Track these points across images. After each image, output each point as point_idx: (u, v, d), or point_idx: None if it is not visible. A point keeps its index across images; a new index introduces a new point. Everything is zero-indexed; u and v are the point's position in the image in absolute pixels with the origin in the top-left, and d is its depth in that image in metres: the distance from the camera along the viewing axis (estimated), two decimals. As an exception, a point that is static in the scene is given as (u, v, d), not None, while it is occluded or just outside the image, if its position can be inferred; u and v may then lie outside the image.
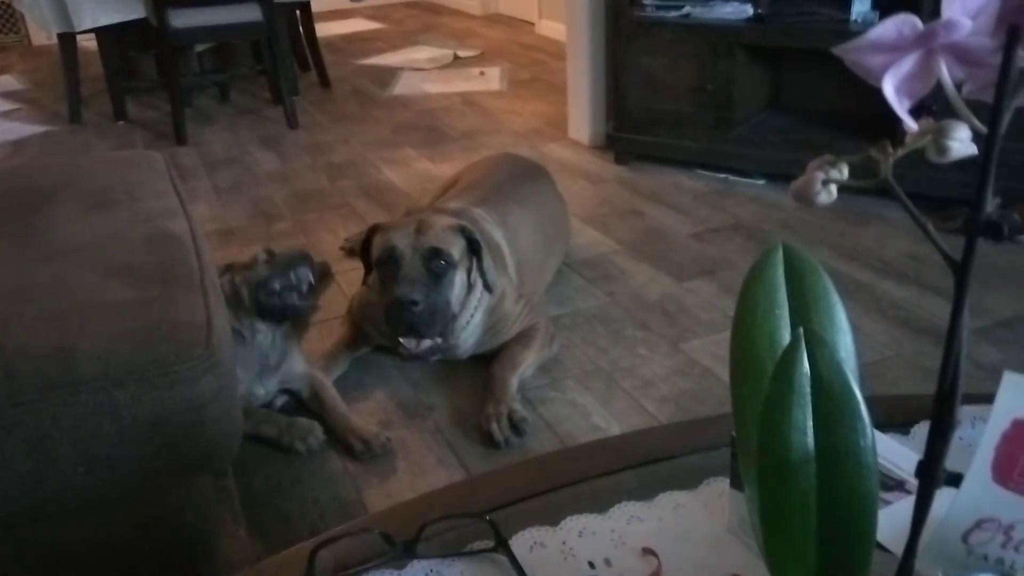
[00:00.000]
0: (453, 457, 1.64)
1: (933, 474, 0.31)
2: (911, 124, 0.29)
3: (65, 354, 0.96)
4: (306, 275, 1.73)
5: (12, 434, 0.92)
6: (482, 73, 4.71)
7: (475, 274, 1.85)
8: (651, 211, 2.77)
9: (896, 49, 0.27)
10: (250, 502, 1.52)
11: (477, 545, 0.68)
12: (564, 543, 0.68)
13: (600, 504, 0.72)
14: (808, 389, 0.35)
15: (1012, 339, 1.92)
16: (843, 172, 0.35)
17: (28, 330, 1.00)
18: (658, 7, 2.96)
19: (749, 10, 2.83)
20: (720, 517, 0.70)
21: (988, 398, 0.84)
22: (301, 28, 4.60)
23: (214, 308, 1.11)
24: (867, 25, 2.60)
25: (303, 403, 1.79)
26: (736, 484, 0.66)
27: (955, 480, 0.31)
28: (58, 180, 1.50)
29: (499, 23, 6.21)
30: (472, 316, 1.88)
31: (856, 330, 1.66)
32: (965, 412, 0.82)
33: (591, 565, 0.66)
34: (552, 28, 5.43)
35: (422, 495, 0.80)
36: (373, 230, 1.87)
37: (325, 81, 4.54)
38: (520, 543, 0.68)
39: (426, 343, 1.80)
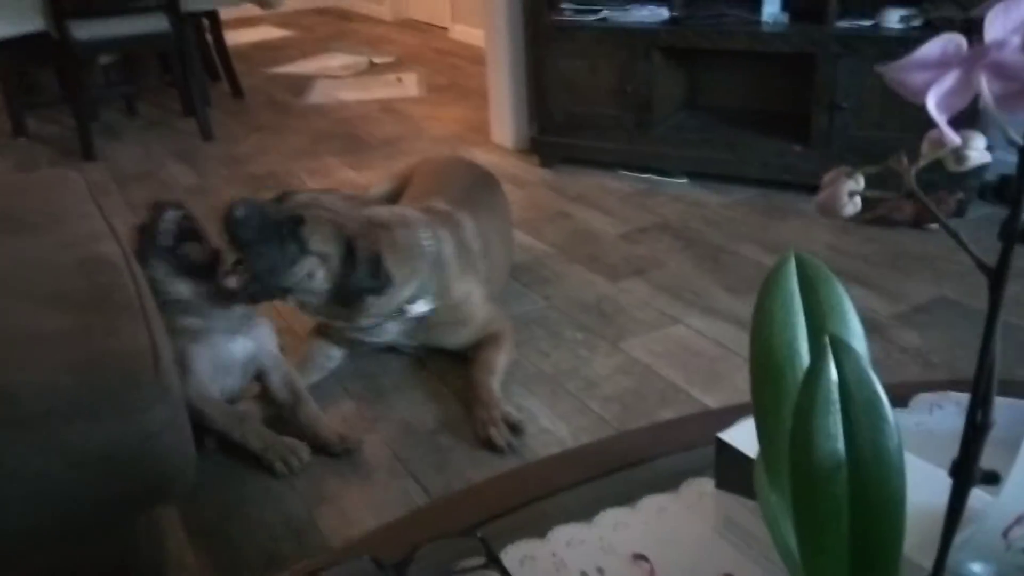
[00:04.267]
0: (404, 471, 1.62)
1: (968, 474, 0.32)
2: (954, 137, 0.30)
3: (4, 390, 0.91)
4: (172, 217, 1.69)
5: (-51, 479, 0.86)
6: (399, 79, 4.68)
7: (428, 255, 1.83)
8: (579, 213, 2.80)
9: (939, 67, 0.28)
10: (196, 529, 1.48)
11: (468, 563, 0.67)
12: (554, 554, 0.68)
13: (584, 512, 0.72)
14: (836, 396, 0.36)
15: (931, 323, 2.01)
16: (860, 183, 0.36)
17: (-41, 367, 0.94)
18: (576, 11, 3.00)
19: (665, 13, 2.89)
20: (704, 518, 0.71)
21: (931, 385, 0.87)
22: (210, 37, 4.47)
23: (157, 333, 1.07)
24: (778, 26, 2.70)
25: (273, 397, 1.75)
26: (723, 485, 0.67)
27: (991, 478, 0.32)
28: (-30, 205, 1.42)
29: (411, 28, 6.17)
30: (415, 295, 1.85)
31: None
32: (921, 400, 0.85)
33: (584, 575, 0.66)
34: (466, 33, 5.43)
35: (407, 514, 0.78)
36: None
37: (238, 91, 4.43)
38: (510, 558, 0.68)
39: (232, 280, 1.66)
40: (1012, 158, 0.30)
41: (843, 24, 2.59)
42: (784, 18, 2.72)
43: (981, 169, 2.53)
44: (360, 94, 4.43)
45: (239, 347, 1.73)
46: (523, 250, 2.53)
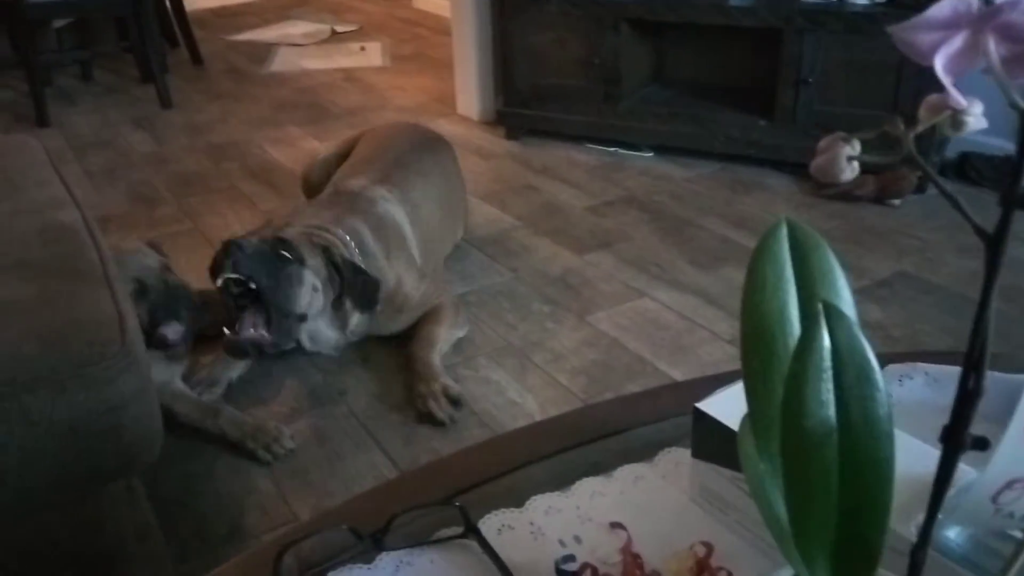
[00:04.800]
0: (371, 440, 1.62)
1: (959, 440, 0.33)
2: (959, 100, 0.30)
3: (-36, 360, 0.89)
4: (178, 327, 1.69)
5: (-92, 451, 0.84)
6: (363, 48, 4.61)
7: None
8: (546, 186, 2.79)
9: (948, 28, 0.28)
10: (160, 503, 1.45)
11: (445, 532, 0.67)
12: (532, 523, 0.68)
13: (561, 482, 0.72)
14: (829, 363, 0.37)
15: (891, 297, 2.05)
16: (856, 148, 0.36)
17: (-83, 336, 0.91)
18: (544, -19, 2.96)
19: (633, -15, 2.87)
20: (680, 487, 0.71)
21: (900, 357, 0.89)
22: (168, 2, 4.35)
23: (123, 302, 1.05)
24: (745, 0, 2.70)
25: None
26: (699, 454, 0.68)
27: (981, 444, 0.33)
28: (-77, 170, 1.37)
29: (375, -4, 6.07)
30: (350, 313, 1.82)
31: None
32: (889, 371, 0.86)
33: (561, 543, 0.67)
34: (431, 2, 5.36)
35: (383, 484, 0.78)
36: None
37: (197, 58, 4.33)
38: (488, 527, 0.68)
39: (249, 330, 1.64)
40: (973, 137, 0.30)
41: None
42: (751, -7, 2.72)
43: (941, 146, 2.58)
44: (323, 63, 4.36)
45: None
46: (489, 222, 2.52)
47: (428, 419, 1.66)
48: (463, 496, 0.72)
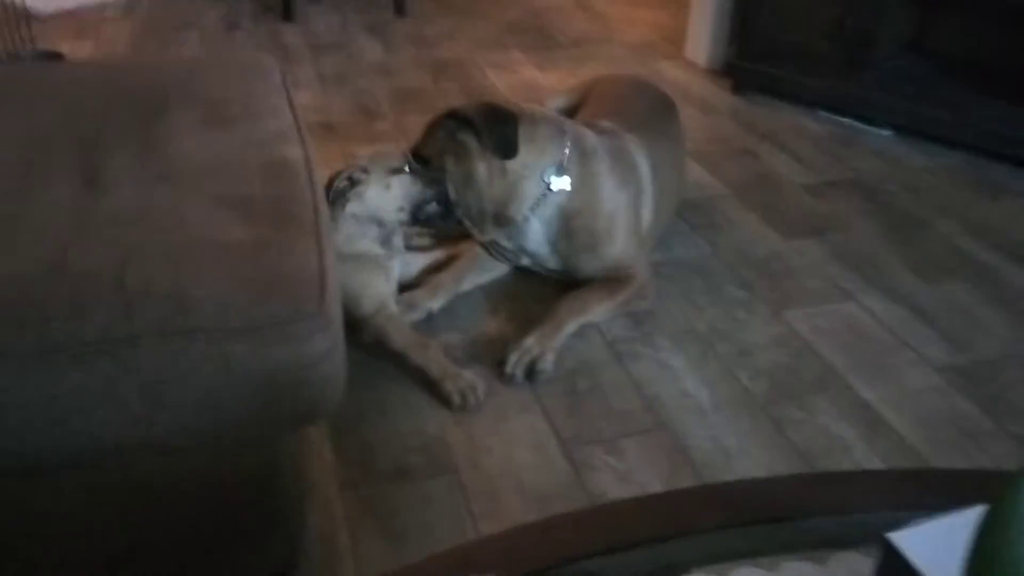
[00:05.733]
0: (537, 406, 1.63)
1: None
2: None
3: (182, 300, 0.96)
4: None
5: (127, 375, 0.93)
6: (599, -29, 4.46)
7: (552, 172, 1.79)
8: (765, 154, 2.63)
9: None
10: (336, 426, 1.55)
11: (590, 596, 0.66)
12: (681, 607, 0.66)
13: (715, 565, 0.69)
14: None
15: None
16: None
17: (146, 268, 0.99)
18: (806, -72, 2.72)
19: (908, -57, 2.57)
20: (849, 603, 0.66)
21: None
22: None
23: (326, 256, 1.09)
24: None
25: None
26: (879, 586, 0.62)
27: None
28: (175, 84, 1.48)
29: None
30: (536, 208, 1.81)
31: (971, 318, 1.58)
32: None
33: (708, 639, 0.63)
34: (678, -74, 5.08)
35: (521, 529, 0.76)
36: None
37: (436, -35, 4.36)
38: (635, 600, 0.66)
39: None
40: None
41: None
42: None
43: None
44: (557, -17, 4.27)
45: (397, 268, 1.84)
46: (697, 186, 2.41)
47: (500, 366, 1.68)
48: (608, 558, 0.70)
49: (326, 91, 3.00)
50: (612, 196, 1.84)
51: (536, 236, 1.85)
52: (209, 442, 1.01)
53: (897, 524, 0.63)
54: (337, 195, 1.79)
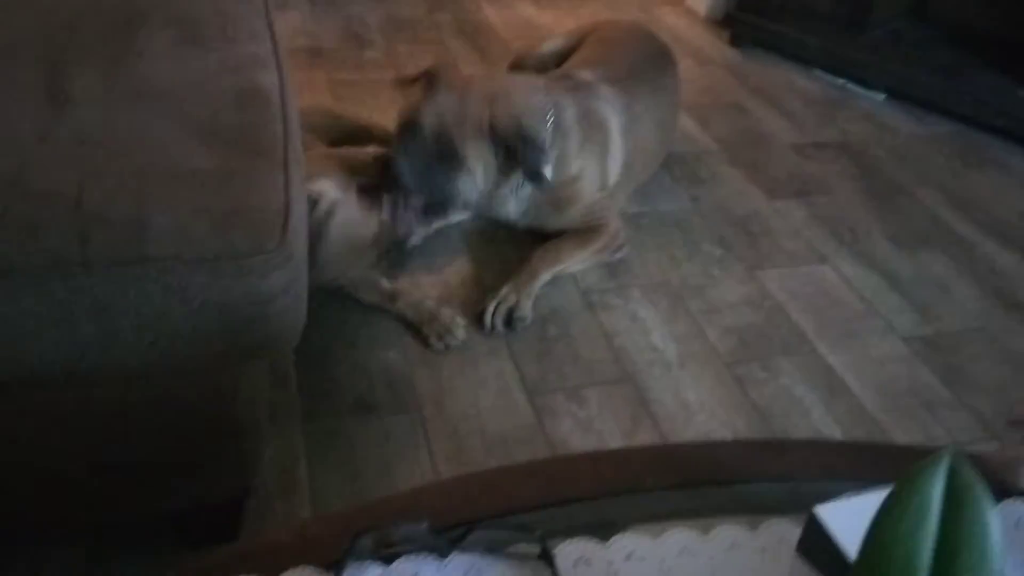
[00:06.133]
0: (506, 351, 1.64)
1: None
2: None
3: (140, 227, 0.94)
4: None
5: (79, 299, 0.92)
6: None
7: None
8: (757, 110, 2.60)
9: None
10: (301, 358, 1.55)
11: (521, 548, 0.67)
12: (611, 564, 0.67)
13: (652, 524, 0.70)
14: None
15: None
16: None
17: (106, 192, 0.97)
18: None
19: (920, -99, 2.51)
20: (777, 568, 0.67)
21: None
22: None
23: (294, 189, 1.07)
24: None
25: None
26: (805, 553, 0.63)
27: None
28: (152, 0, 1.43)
29: None
30: (520, 187, 1.81)
31: (943, 290, 1.59)
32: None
33: (634, 597, 0.65)
34: None
35: (468, 478, 0.77)
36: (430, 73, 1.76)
37: None
38: (565, 555, 0.67)
39: (408, 216, 1.75)
40: None
41: None
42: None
43: None
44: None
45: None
46: (684, 139, 2.39)
47: (478, 319, 1.68)
48: (550, 511, 0.70)
49: (316, 15, 2.92)
50: (576, 161, 1.82)
51: (508, 206, 1.85)
52: (164, 370, 1.00)
53: (831, 495, 0.64)
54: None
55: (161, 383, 1.05)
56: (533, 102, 1.75)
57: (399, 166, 1.69)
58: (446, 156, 1.69)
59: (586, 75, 1.92)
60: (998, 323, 1.81)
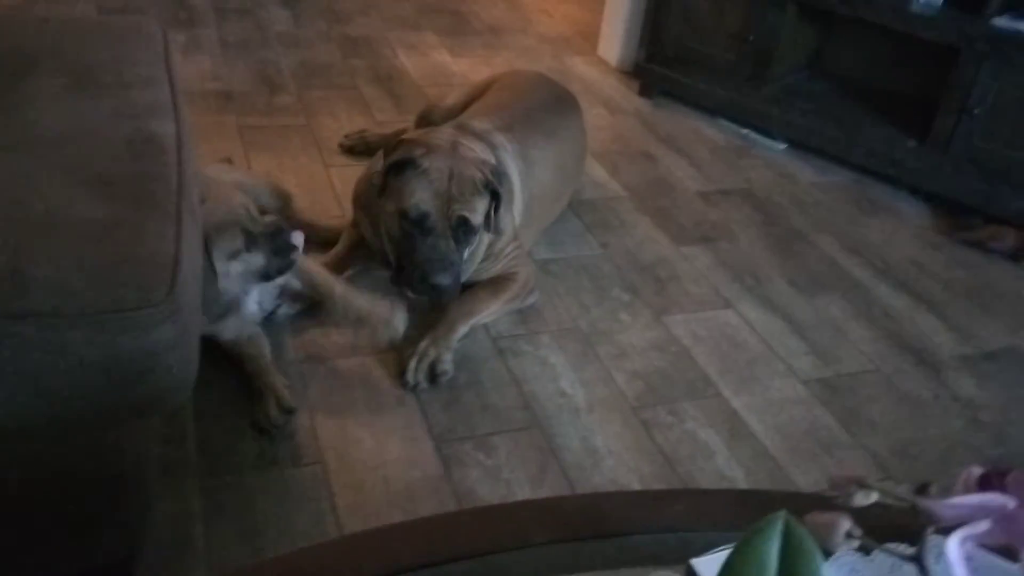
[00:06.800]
0: (414, 400, 1.62)
1: None
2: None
3: (18, 279, 0.91)
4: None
5: (-48, 356, 0.87)
6: (521, -40, 4.44)
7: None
8: (665, 157, 2.67)
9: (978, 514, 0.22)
10: (200, 412, 1.51)
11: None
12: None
13: (539, 579, 0.70)
14: None
15: (994, 373, 1.90)
16: (870, 498, 0.30)
17: (-18, 243, 0.94)
18: (718, -61, 2.76)
19: (812, -36, 2.65)
20: (659, 621, 0.67)
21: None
22: None
23: (185, 240, 1.05)
24: (929, 8, 2.45)
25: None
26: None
27: None
28: (44, 46, 1.40)
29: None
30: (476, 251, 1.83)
31: (840, 333, 1.64)
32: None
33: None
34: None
35: (354, 538, 0.76)
36: (401, 144, 1.75)
37: (356, -63, 4.27)
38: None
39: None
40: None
41: (1001, 22, 2.34)
42: (938, 3, 2.46)
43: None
44: (478, -32, 4.23)
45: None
46: (594, 186, 2.44)
47: (400, 375, 1.65)
48: (440, 568, 0.70)
49: (228, 59, 2.90)
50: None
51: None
52: (44, 428, 0.96)
53: (713, 545, 0.65)
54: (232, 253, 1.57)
55: (43, 441, 1.01)
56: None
57: (438, 267, 1.70)
58: (467, 228, 1.73)
59: (481, 123, 1.95)
60: (891, 365, 1.89)
